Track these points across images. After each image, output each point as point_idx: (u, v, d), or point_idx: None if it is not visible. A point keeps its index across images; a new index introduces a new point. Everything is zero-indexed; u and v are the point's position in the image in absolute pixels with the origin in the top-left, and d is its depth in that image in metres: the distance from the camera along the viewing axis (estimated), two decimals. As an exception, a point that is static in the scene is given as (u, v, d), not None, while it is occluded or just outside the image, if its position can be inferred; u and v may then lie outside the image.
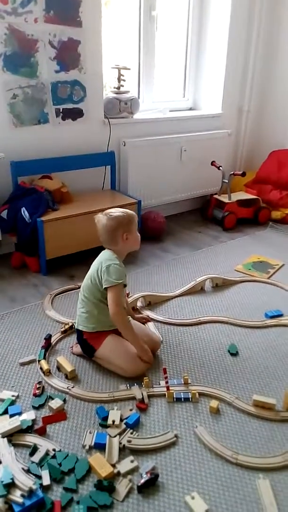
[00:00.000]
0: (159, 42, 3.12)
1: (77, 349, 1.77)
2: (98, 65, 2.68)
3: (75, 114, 2.69)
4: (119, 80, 2.84)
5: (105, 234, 1.64)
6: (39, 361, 1.70)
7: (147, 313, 2.07)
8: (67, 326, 1.91)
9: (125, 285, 1.69)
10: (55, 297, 2.21)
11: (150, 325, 1.97)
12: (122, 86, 2.86)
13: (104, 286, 1.60)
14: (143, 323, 1.92)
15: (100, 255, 1.71)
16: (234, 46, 3.32)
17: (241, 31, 3.33)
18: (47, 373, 1.64)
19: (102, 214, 1.66)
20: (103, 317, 1.66)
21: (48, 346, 1.79)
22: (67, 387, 1.57)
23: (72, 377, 1.63)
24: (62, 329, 1.90)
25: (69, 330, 1.90)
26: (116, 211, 1.65)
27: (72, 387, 1.57)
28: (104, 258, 1.65)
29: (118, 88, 2.85)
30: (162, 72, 3.26)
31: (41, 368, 1.66)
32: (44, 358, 1.72)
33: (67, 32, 2.48)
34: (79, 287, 1.84)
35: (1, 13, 2.23)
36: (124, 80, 2.85)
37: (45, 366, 1.65)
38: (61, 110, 2.62)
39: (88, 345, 1.69)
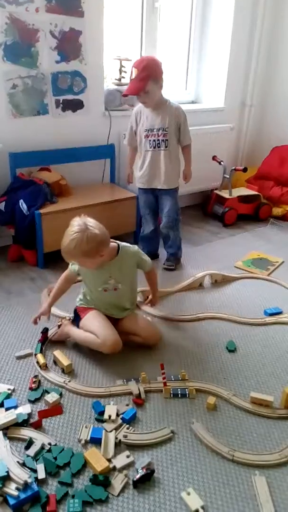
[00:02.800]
0: (162, 33, 3.08)
1: (56, 336, 1.81)
2: (99, 56, 2.65)
3: (75, 105, 2.66)
4: (120, 71, 2.80)
5: (92, 243, 1.58)
6: (35, 354, 1.70)
7: (146, 308, 2.06)
8: (64, 320, 1.89)
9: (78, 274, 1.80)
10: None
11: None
12: (124, 77, 2.82)
13: None
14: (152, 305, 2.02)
15: None
16: (237, 39, 3.28)
17: (245, 24, 3.30)
18: (44, 367, 1.63)
19: (91, 226, 1.60)
20: (85, 294, 1.82)
21: (44, 340, 1.78)
22: (64, 381, 1.57)
23: (68, 371, 1.63)
24: (59, 323, 1.88)
25: (67, 324, 1.89)
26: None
27: (69, 381, 1.57)
28: None
29: (119, 79, 2.82)
30: (164, 64, 3.22)
31: (37, 362, 1.66)
32: (41, 352, 1.71)
33: (69, 22, 2.45)
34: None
35: (2, 2, 2.20)
36: (125, 72, 2.82)
37: (41, 360, 1.65)
38: (61, 101, 2.59)
39: (76, 314, 1.81)
